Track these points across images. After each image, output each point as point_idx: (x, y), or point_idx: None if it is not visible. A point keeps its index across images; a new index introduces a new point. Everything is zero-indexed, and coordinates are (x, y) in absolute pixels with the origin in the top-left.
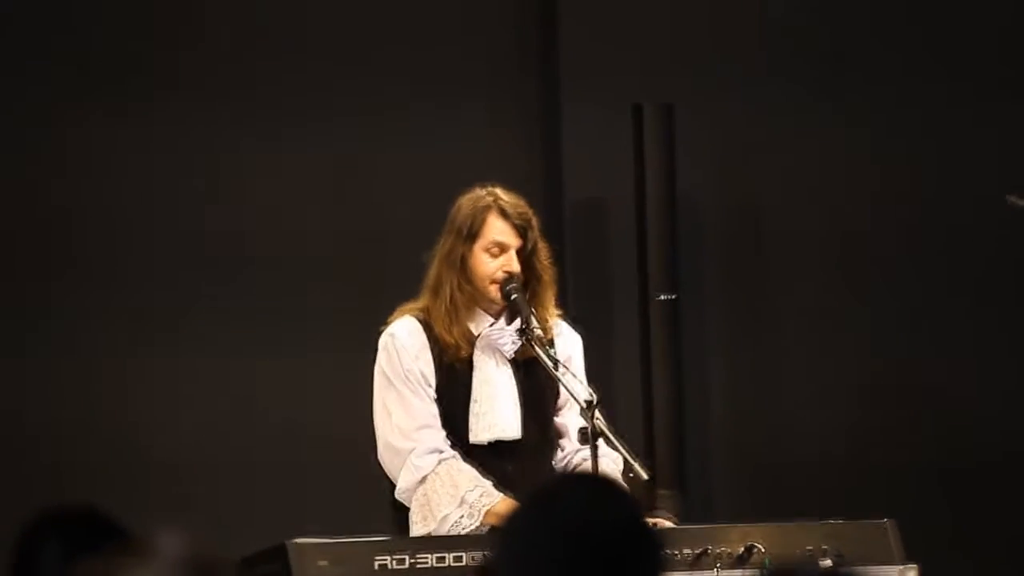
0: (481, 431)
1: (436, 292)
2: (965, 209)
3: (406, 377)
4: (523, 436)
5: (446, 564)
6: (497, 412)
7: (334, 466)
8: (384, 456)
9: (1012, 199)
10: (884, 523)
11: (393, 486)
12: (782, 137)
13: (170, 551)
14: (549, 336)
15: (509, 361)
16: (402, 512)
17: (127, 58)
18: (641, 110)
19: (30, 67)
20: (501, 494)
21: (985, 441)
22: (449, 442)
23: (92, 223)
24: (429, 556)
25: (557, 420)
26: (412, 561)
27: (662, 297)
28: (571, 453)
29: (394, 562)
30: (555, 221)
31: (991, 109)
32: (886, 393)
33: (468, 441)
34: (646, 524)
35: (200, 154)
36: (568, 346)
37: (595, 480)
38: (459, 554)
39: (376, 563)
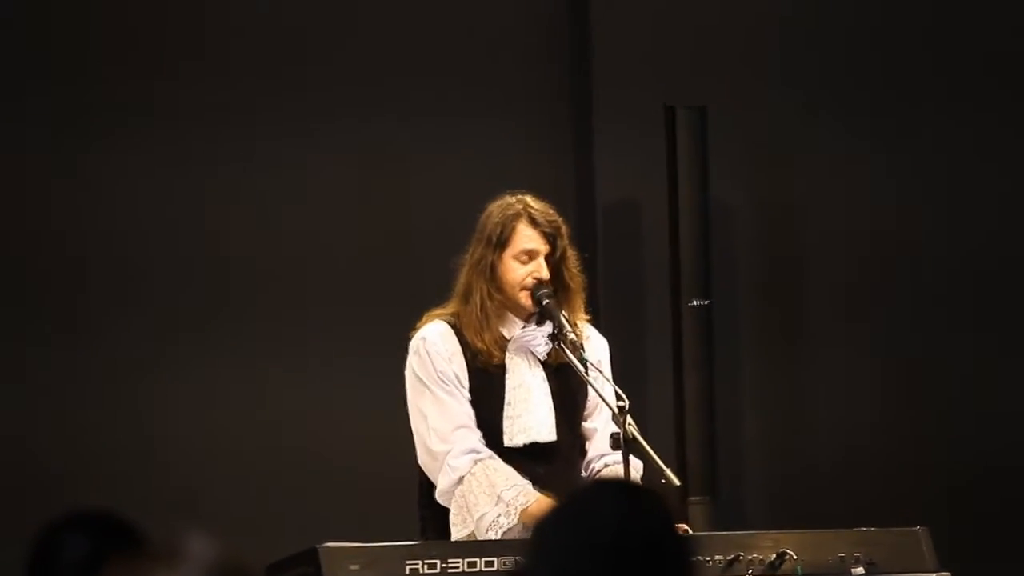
0: (516, 434)
1: (466, 299)
2: (996, 212)
3: (440, 379)
4: (558, 439)
5: (477, 569)
6: (532, 415)
7: (348, 477)
8: (423, 460)
9: None
10: (917, 531)
11: (423, 491)
12: (815, 140)
13: (199, 555)
14: (580, 341)
15: (541, 364)
16: (437, 515)
17: (139, 62)
18: (674, 112)
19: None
20: (538, 493)
21: (1019, 445)
22: (484, 443)
23: (103, 238)
24: (460, 561)
25: (585, 424)
26: (444, 566)
27: (694, 302)
28: (595, 458)
29: (425, 567)
30: (587, 225)
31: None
32: (919, 398)
33: (503, 445)
34: (678, 531)
35: (214, 163)
36: (597, 351)
37: (627, 487)
38: (491, 559)
39: (407, 567)
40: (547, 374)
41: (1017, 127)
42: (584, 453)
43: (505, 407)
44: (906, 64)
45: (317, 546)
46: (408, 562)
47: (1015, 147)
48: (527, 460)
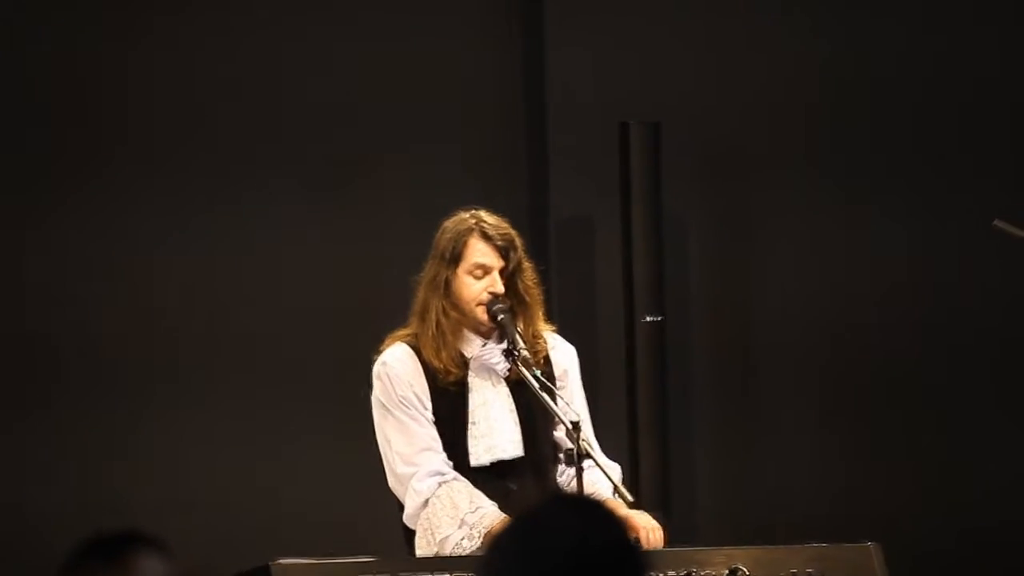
0: (481, 453)
1: (423, 318)
2: (955, 243)
3: (401, 403)
4: (525, 454)
5: None
6: (496, 433)
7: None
8: (392, 484)
9: (998, 224)
10: (868, 546)
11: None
12: (769, 155)
13: (150, 570)
14: (541, 355)
15: (505, 380)
16: (412, 537)
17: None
18: (627, 128)
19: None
20: (502, 514)
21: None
22: (451, 464)
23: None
24: None
25: (556, 435)
26: None
27: (648, 319)
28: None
29: None
30: (541, 240)
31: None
32: (870, 412)
33: (470, 464)
34: (632, 546)
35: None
36: (564, 360)
37: (581, 502)
38: (443, 575)
39: None
40: (511, 390)
41: (984, 163)
42: (558, 463)
43: (470, 427)
44: (868, 83)
45: (270, 563)
46: None
47: (980, 179)
48: (496, 478)
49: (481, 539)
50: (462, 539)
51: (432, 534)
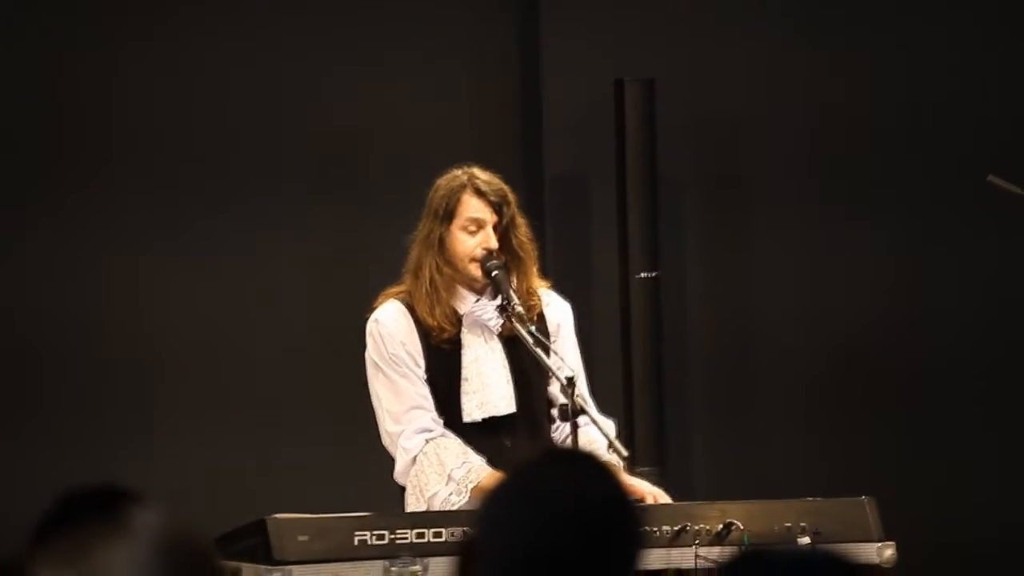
0: (474, 409)
1: (416, 275)
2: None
3: (392, 361)
4: (518, 410)
5: (426, 540)
6: (489, 389)
7: None
8: (384, 441)
9: (993, 179)
10: (862, 500)
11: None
12: (764, 112)
13: (145, 526)
14: (535, 311)
15: (498, 336)
16: (404, 493)
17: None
18: (622, 85)
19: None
20: (489, 469)
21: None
22: (441, 421)
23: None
24: (408, 532)
25: (550, 391)
26: (392, 536)
27: (642, 275)
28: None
29: (374, 538)
30: (535, 197)
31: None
32: (867, 361)
33: (462, 420)
34: (628, 501)
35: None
36: (557, 314)
37: (576, 456)
38: (439, 530)
39: (356, 539)
40: (504, 346)
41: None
42: (552, 419)
43: (463, 383)
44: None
45: (266, 517)
46: (357, 533)
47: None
48: (489, 434)
49: (468, 494)
50: (449, 495)
51: (421, 491)
